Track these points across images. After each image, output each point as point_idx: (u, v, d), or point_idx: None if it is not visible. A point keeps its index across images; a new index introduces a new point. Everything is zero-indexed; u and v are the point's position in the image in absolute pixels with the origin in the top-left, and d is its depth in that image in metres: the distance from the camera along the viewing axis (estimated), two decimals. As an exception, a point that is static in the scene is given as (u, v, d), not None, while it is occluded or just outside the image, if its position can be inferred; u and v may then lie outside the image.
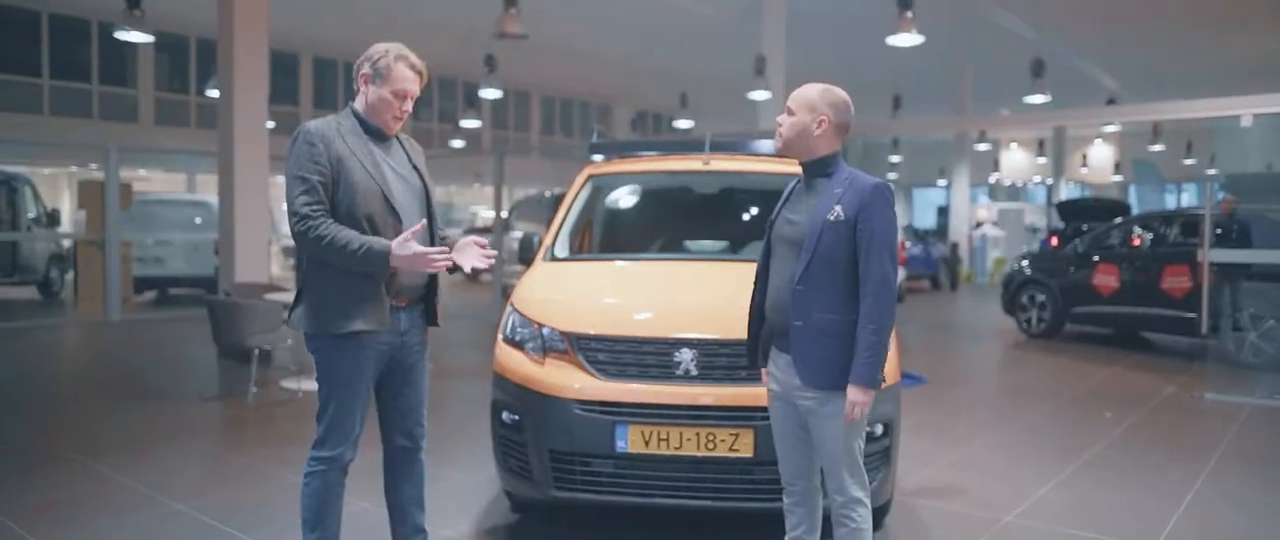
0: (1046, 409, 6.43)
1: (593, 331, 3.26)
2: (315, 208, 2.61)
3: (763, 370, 2.79)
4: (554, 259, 4.12)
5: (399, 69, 2.71)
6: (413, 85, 2.74)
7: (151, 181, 23.99)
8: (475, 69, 14.10)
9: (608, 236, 4.86)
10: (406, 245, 2.58)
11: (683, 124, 23.05)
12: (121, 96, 18.89)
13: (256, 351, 6.12)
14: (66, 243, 14.66)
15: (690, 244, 4.51)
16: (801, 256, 2.54)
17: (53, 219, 14.90)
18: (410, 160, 2.88)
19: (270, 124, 18.81)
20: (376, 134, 2.79)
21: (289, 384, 6.64)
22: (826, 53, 17.29)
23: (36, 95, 17.55)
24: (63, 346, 9.48)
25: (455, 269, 2.88)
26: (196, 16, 8.75)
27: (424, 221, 2.66)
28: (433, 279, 2.89)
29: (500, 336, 3.57)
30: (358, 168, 2.67)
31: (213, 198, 12.08)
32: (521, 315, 3.50)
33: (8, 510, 3.80)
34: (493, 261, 2.90)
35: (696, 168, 4.51)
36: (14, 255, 13.54)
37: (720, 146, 4.53)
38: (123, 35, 9.60)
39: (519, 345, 3.45)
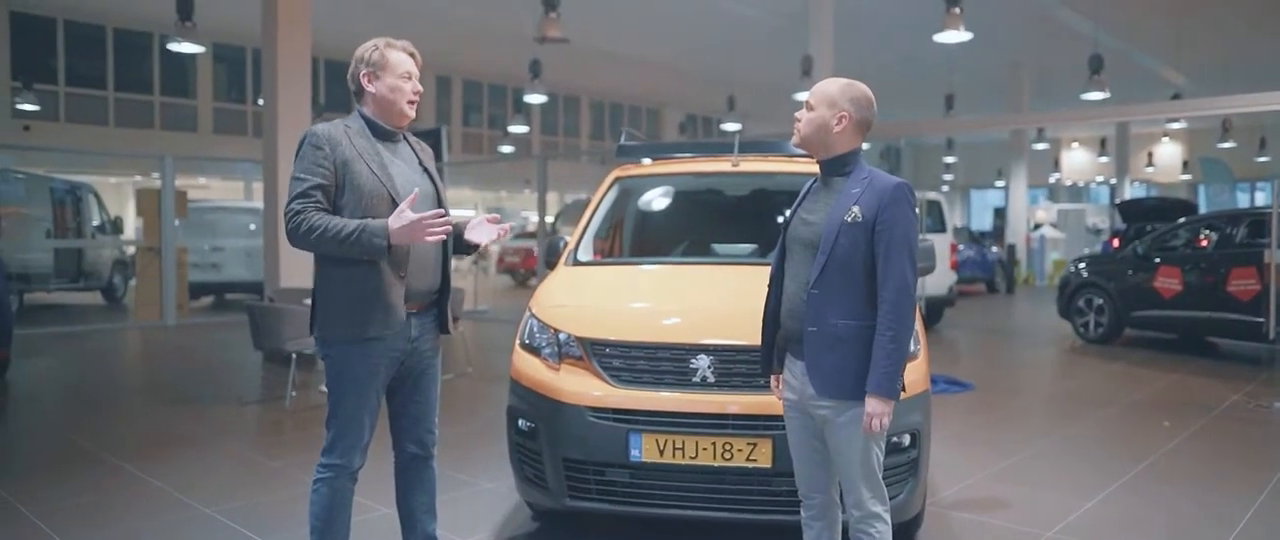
0: (1100, 417, 6.16)
1: (608, 337, 3.18)
2: (307, 204, 2.57)
3: (774, 377, 2.68)
4: (577, 263, 4.06)
5: (393, 55, 2.69)
6: (411, 65, 2.73)
7: (211, 189, 24.68)
8: (525, 75, 14.16)
9: (635, 240, 4.79)
10: (402, 215, 2.53)
11: (731, 127, 22.88)
12: (181, 107, 19.46)
13: (294, 355, 6.18)
14: (129, 249, 15.11)
15: (718, 247, 4.40)
16: (817, 259, 2.43)
17: (116, 226, 15.38)
18: (420, 161, 2.84)
19: (323, 131, 19.40)
20: (385, 135, 2.75)
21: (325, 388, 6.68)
22: (875, 53, 17.02)
23: (102, 107, 18.14)
24: (118, 350, 9.73)
25: (472, 248, 2.86)
26: (253, 28, 8.87)
27: (418, 191, 2.60)
28: (444, 283, 2.85)
29: (517, 342, 3.52)
30: (364, 171, 2.63)
31: (265, 204, 12.31)
32: (538, 320, 3.43)
33: (38, 510, 3.86)
34: (506, 233, 2.88)
35: (725, 169, 4.41)
36: (79, 261, 14.00)
37: (750, 147, 4.43)
38: (176, 47, 9.83)
39: (535, 351, 3.39)
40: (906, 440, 3.07)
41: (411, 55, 2.74)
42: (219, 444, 5.25)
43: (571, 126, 27.38)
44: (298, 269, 8.35)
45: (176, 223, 11.73)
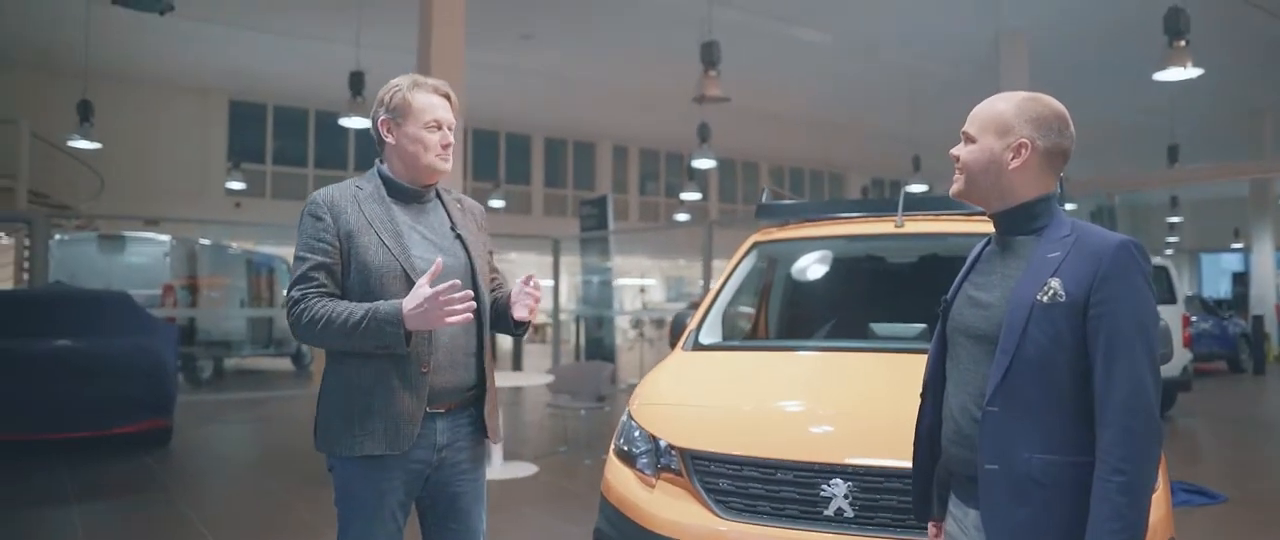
0: None
1: (712, 448, 2.45)
2: (308, 290, 2.05)
3: (933, 525, 1.85)
4: (697, 346, 3.34)
5: (419, 97, 2.14)
6: (443, 112, 2.16)
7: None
8: (711, 141, 13.78)
9: (779, 319, 4.01)
10: (417, 293, 1.97)
11: (916, 188, 21.48)
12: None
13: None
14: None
15: (877, 327, 3.54)
16: (996, 360, 1.61)
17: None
18: (453, 227, 2.25)
19: (499, 202, 19.80)
20: (407, 196, 2.20)
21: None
22: (1080, 98, 15.28)
23: (303, 184, 19.45)
24: (286, 415, 9.89)
25: (520, 327, 2.25)
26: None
27: (441, 259, 2.03)
28: (481, 376, 2.23)
29: (612, 446, 2.83)
30: (373, 243, 2.09)
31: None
32: (635, 422, 2.74)
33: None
34: (538, 298, 2.23)
35: (887, 231, 3.57)
36: (270, 329, 14.77)
37: (918, 203, 3.58)
38: (346, 122, 10.16)
39: (630, 460, 2.69)
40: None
41: (446, 97, 2.18)
42: (311, 521, 4.86)
43: (751, 193, 26.77)
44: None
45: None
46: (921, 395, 1.84)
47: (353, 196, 2.14)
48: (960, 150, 1.74)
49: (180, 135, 17.17)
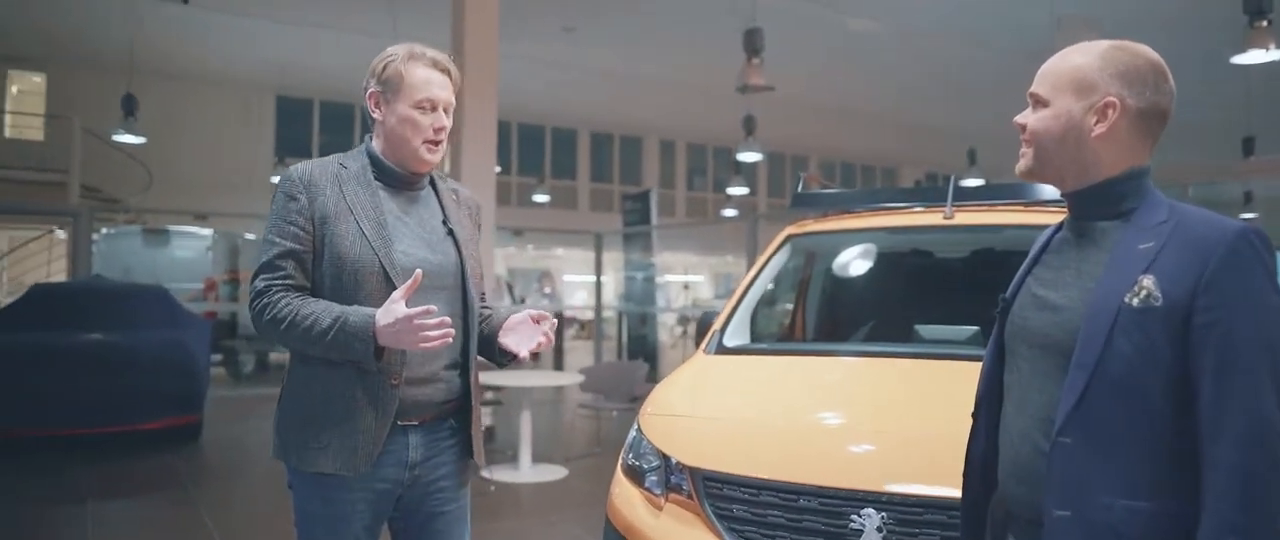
0: None
1: (725, 469, 2.13)
2: (275, 281, 1.78)
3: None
4: (721, 350, 3.00)
5: (415, 71, 1.84)
6: (441, 90, 1.86)
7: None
8: (759, 134, 13.39)
9: (815, 319, 3.66)
10: (391, 309, 1.69)
11: (971, 183, 20.75)
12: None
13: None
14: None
15: (923, 330, 3.18)
16: (1071, 378, 1.27)
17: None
18: (445, 220, 1.96)
19: (544, 197, 19.55)
20: (397, 181, 1.91)
21: (488, 474, 6.03)
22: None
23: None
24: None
25: (509, 358, 1.93)
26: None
27: (420, 273, 1.74)
28: (465, 387, 1.94)
29: (620, 461, 2.53)
30: (350, 232, 1.80)
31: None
32: (643, 435, 2.43)
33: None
34: (548, 342, 1.91)
35: (935, 222, 3.20)
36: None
37: (970, 193, 3.20)
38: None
39: (638, 477, 2.39)
40: None
41: (446, 72, 1.88)
42: None
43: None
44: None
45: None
46: (973, 414, 1.50)
47: (335, 175, 1.86)
48: (1028, 117, 1.40)
49: (229, 130, 17.32)
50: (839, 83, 16.12)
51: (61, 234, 15.15)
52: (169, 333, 7.17)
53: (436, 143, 1.87)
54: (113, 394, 6.54)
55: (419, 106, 1.83)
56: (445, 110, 1.87)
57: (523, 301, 19.79)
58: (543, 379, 6.89)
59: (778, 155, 23.96)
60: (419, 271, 1.74)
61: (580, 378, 6.93)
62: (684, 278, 26.97)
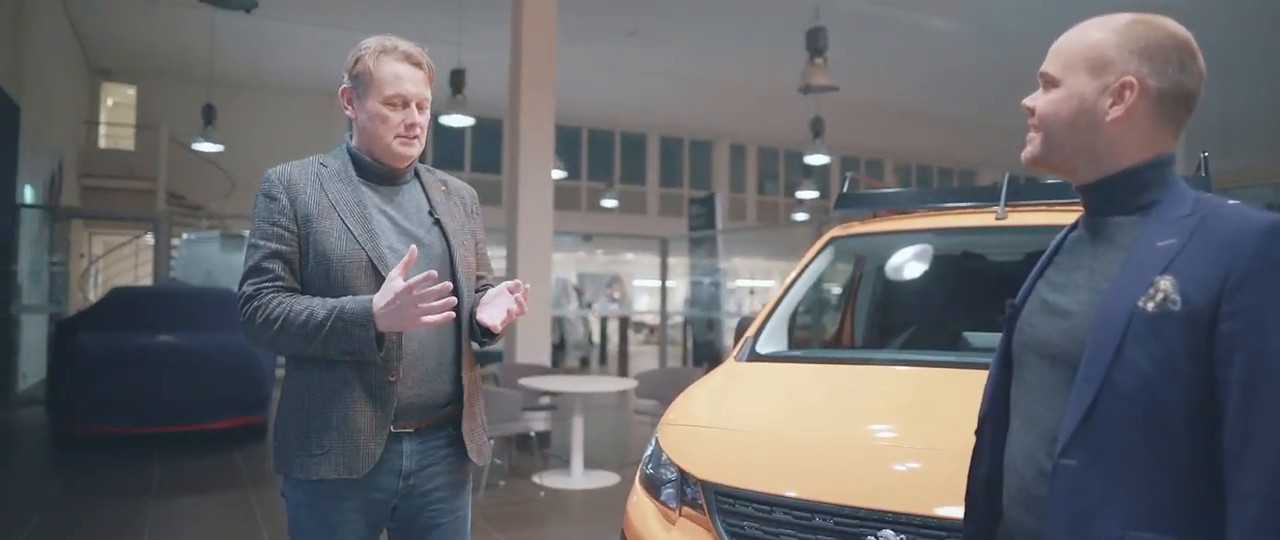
0: None
1: (736, 483, 2.01)
2: (264, 284, 1.76)
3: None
4: (753, 357, 2.89)
5: (386, 66, 1.80)
6: (414, 84, 1.81)
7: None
8: (830, 138, 13.16)
9: (860, 325, 3.51)
10: (389, 287, 1.66)
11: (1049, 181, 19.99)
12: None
13: (490, 441, 5.55)
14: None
15: (972, 337, 3.00)
16: (1077, 392, 1.13)
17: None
18: (431, 210, 1.91)
19: (613, 202, 19.57)
20: (378, 176, 1.88)
21: (539, 479, 6.00)
22: (1234, 87, 13.75)
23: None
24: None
25: (486, 334, 1.87)
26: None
27: (415, 249, 1.70)
28: (459, 388, 1.88)
29: (639, 473, 2.44)
30: (335, 228, 1.77)
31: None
32: (660, 447, 2.34)
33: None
34: (522, 311, 1.84)
35: (987, 223, 3.02)
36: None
37: (1023, 192, 3.01)
38: (447, 120, 10.13)
39: (654, 489, 2.29)
40: None
41: (418, 66, 1.84)
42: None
43: (874, 191, 25.70)
44: (534, 344, 7.88)
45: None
46: (976, 432, 1.36)
47: (315, 174, 1.84)
48: (1036, 99, 1.26)
49: (305, 137, 17.79)
50: (913, 83, 15.73)
51: (149, 239, 15.86)
52: (237, 335, 7.38)
53: (408, 138, 1.84)
54: (184, 394, 6.77)
55: (389, 103, 1.80)
56: (418, 105, 1.83)
57: (589, 307, 19.85)
58: (598, 385, 6.85)
59: (852, 159, 23.52)
60: (414, 247, 1.71)
61: (633, 383, 6.86)
62: (752, 282, 26.68)
